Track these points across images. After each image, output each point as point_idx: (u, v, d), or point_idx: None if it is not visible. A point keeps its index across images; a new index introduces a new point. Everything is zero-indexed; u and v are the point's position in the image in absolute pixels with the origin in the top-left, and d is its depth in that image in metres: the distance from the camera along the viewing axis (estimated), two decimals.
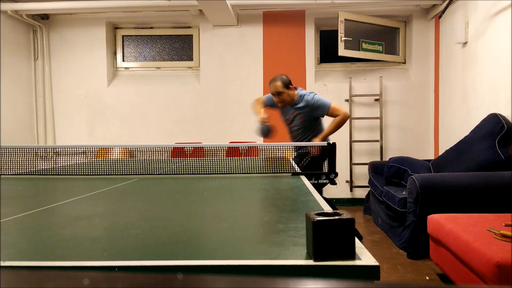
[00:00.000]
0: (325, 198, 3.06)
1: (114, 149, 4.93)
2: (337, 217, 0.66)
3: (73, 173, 2.19)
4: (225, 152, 4.67)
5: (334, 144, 2.27)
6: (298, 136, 3.11)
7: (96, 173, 2.13)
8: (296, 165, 2.62)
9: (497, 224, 2.14)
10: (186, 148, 4.71)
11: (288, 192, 1.46)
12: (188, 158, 3.42)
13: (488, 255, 1.74)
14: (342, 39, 4.56)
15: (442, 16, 4.33)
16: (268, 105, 3.22)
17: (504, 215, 2.35)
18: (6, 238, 0.85)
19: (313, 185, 1.71)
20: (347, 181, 4.94)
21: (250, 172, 2.12)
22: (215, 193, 1.52)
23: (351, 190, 4.97)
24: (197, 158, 3.18)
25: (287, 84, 2.94)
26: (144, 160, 3.00)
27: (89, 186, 1.72)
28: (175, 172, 2.14)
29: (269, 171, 2.26)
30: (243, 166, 2.30)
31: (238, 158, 3.34)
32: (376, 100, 4.93)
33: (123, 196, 1.48)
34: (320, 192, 2.96)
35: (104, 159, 3.22)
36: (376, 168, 4.21)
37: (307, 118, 3.01)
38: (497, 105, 3.31)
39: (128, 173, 2.11)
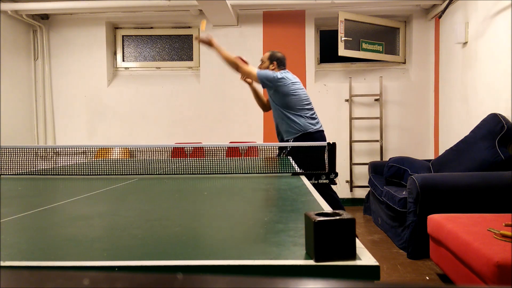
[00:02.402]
0: (335, 198, 3.05)
1: (114, 149, 4.93)
2: (337, 217, 0.66)
3: (73, 173, 2.19)
4: (225, 152, 4.67)
5: (334, 144, 2.27)
6: (277, 121, 3.20)
7: (96, 173, 2.13)
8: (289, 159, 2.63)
9: (497, 224, 2.14)
10: (186, 148, 4.72)
11: (288, 192, 1.46)
12: (188, 158, 3.42)
13: (488, 255, 1.74)
14: (342, 39, 4.56)
15: (442, 16, 4.33)
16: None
17: (504, 215, 2.35)
18: (6, 238, 0.85)
19: (314, 185, 1.71)
20: (347, 181, 4.94)
21: (250, 172, 2.12)
22: (215, 193, 1.52)
23: (351, 190, 4.97)
24: (197, 158, 3.18)
25: (272, 59, 3.19)
26: (144, 160, 3.00)
27: (89, 186, 1.72)
28: (175, 172, 2.13)
29: (269, 171, 2.26)
30: (243, 166, 2.30)
31: (238, 158, 3.34)
32: (376, 100, 4.93)
33: (123, 196, 1.47)
34: (329, 190, 2.97)
35: (104, 159, 3.22)
36: (376, 168, 4.21)
37: (273, 99, 3.14)
38: (497, 105, 3.32)
39: (128, 173, 2.11)
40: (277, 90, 3.07)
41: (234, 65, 3.15)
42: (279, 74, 3.09)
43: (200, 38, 3.19)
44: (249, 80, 3.32)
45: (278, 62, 3.20)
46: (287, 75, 3.11)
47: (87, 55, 5.14)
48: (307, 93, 3.24)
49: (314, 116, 3.19)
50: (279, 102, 3.11)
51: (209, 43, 3.19)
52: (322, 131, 3.19)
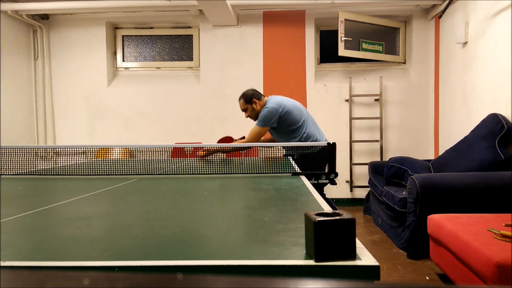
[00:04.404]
0: (326, 199, 3.07)
1: (114, 149, 4.92)
2: (338, 218, 0.66)
3: (73, 173, 2.19)
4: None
5: (334, 144, 2.28)
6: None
7: (96, 173, 2.13)
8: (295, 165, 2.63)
9: (497, 224, 2.14)
10: (186, 148, 4.72)
11: (288, 192, 1.46)
12: (188, 158, 3.42)
13: (488, 255, 1.74)
14: (342, 39, 4.56)
15: (442, 16, 4.33)
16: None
17: (504, 215, 2.35)
18: (6, 238, 0.85)
19: (313, 185, 1.71)
20: (347, 181, 4.94)
21: (250, 172, 2.12)
22: (215, 193, 1.52)
23: (351, 190, 4.97)
24: (197, 158, 3.18)
25: (249, 99, 3.12)
26: (144, 160, 3.00)
27: (89, 186, 1.72)
28: (175, 172, 2.13)
29: (269, 171, 2.26)
30: (243, 166, 2.30)
31: (238, 158, 3.34)
32: (376, 100, 4.93)
33: (123, 196, 1.47)
34: (321, 191, 2.98)
35: (104, 159, 3.22)
36: (376, 168, 4.21)
37: (276, 135, 3.11)
38: (497, 105, 3.32)
39: (128, 173, 2.11)
40: (282, 118, 3.02)
41: (247, 144, 3.02)
42: (274, 105, 3.01)
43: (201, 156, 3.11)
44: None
45: (255, 96, 3.12)
46: (274, 101, 3.05)
47: (87, 55, 5.14)
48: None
49: (315, 129, 3.15)
50: (281, 132, 3.08)
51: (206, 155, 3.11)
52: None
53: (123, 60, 5.31)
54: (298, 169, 2.22)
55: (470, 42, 3.81)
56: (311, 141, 3.04)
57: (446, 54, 4.42)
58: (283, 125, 3.05)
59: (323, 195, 3.00)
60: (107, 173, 2.12)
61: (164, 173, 2.12)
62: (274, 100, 3.06)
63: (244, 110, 3.18)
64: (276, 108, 3.01)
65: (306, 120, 3.10)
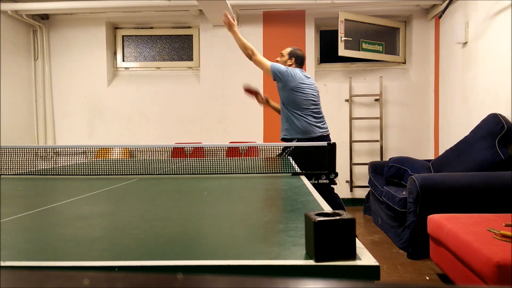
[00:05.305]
0: (337, 200, 3.06)
1: (114, 149, 4.93)
2: (338, 218, 0.66)
3: (73, 173, 2.19)
4: (225, 152, 4.68)
5: (334, 144, 2.27)
6: (281, 118, 3.26)
7: (96, 173, 2.13)
8: (293, 162, 2.63)
9: (497, 224, 2.14)
10: (186, 148, 4.72)
11: (288, 192, 1.46)
12: (188, 158, 3.42)
13: (488, 255, 1.74)
14: (342, 39, 4.56)
15: (442, 16, 4.33)
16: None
17: (504, 215, 2.35)
18: (6, 238, 0.85)
19: (314, 185, 1.71)
20: (347, 181, 4.94)
21: (250, 172, 2.12)
22: (215, 193, 1.52)
23: (351, 190, 4.97)
24: (197, 158, 3.18)
25: (291, 55, 3.25)
26: (144, 160, 3.00)
27: (89, 186, 1.72)
28: (175, 172, 2.13)
29: (269, 171, 2.26)
30: (243, 166, 2.30)
31: (238, 158, 3.34)
32: (376, 100, 4.93)
33: (123, 196, 1.47)
34: (330, 194, 2.98)
35: (104, 159, 3.22)
36: (376, 168, 4.21)
37: (280, 95, 3.20)
38: (497, 105, 3.32)
39: (128, 173, 2.11)
40: (286, 85, 3.10)
41: (249, 52, 3.13)
42: (291, 69, 3.13)
43: (226, 15, 3.05)
44: (263, 101, 3.42)
45: (296, 59, 3.25)
46: (299, 73, 3.15)
47: (87, 55, 5.14)
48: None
49: (318, 118, 3.17)
50: (285, 98, 3.15)
51: (230, 25, 3.10)
52: (327, 135, 3.18)
53: (123, 60, 5.31)
54: (298, 169, 2.22)
55: (470, 42, 3.81)
56: (303, 131, 3.12)
57: (446, 54, 4.42)
58: (286, 98, 3.14)
59: (332, 193, 3.00)
60: (107, 173, 2.12)
61: (164, 173, 2.12)
62: (297, 72, 3.15)
63: (281, 55, 3.30)
64: (290, 75, 3.10)
65: (311, 111, 3.16)
